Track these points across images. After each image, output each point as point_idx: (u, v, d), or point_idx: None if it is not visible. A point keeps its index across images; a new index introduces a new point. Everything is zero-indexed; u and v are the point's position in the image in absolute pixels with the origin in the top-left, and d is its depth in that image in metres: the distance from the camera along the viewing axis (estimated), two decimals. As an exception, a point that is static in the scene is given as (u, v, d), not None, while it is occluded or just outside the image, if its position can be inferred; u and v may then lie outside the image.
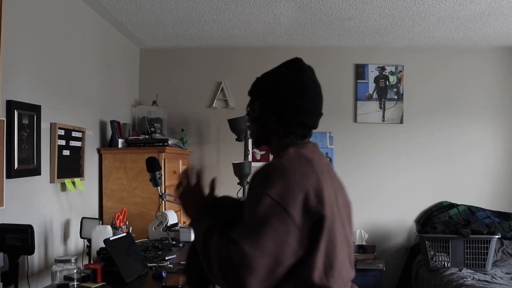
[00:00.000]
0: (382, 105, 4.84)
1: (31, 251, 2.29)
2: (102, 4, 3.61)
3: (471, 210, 4.68)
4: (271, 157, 1.48)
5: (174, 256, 2.82)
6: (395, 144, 4.83)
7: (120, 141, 3.89)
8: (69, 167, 3.22)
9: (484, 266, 3.95)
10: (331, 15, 3.90)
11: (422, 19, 3.99)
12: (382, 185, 4.79)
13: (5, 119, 2.50)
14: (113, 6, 3.66)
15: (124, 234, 2.69)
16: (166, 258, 2.72)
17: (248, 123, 1.52)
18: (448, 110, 4.83)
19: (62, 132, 3.11)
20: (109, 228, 2.76)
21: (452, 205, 4.73)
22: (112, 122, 3.89)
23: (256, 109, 1.54)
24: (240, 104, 4.89)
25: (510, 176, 4.81)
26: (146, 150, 3.82)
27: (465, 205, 4.72)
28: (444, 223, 4.29)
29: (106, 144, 3.94)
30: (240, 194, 4.47)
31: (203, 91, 4.93)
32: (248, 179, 1.66)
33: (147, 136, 4.05)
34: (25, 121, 2.68)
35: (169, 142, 3.99)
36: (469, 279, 3.64)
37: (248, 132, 1.56)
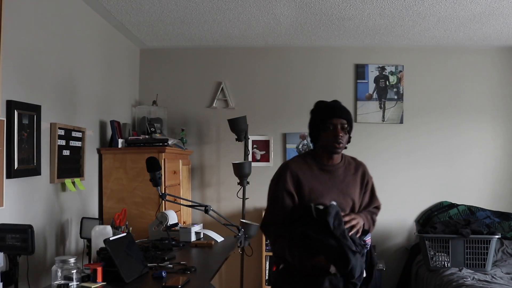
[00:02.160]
0: (382, 105, 4.84)
1: (31, 251, 2.29)
2: (102, 4, 3.61)
3: (471, 210, 4.68)
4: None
5: (174, 256, 2.82)
6: (395, 144, 4.83)
7: (120, 141, 3.89)
8: (69, 167, 3.22)
9: (484, 266, 3.95)
10: (331, 15, 3.90)
11: (422, 19, 3.99)
12: (382, 185, 4.73)
13: (5, 119, 2.50)
14: (113, 6, 3.66)
15: (124, 234, 2.69)
16: (166, 258, 2.72)
17: (343, 135, 2.24)
18: (448, 110, 4.84)
19: (62, 132, 3.11)
20: (109, 228, 2.76)
21: (452, 205, 4.73)
22: (112, 122, 3.89)
23: (351, 129, 2.31)
24: (240, 104, 4.89)
25: (510, 176, 4.81)
26: (146, 150, 3.82)
27: (465, 205, 4.72)
28: (444, 223, 4.29)
29: (106, 144, 3.94)
30: (240, 194, 4.48)
31: (203, 91, 4.93)
32: (363, 173, 2.43)
33: (147, 136, 4.05)
34: (25, 121, 2.68)
35: (169, 142, 3.99)
36: (469, 279, 3.65)
37: (343, 139, 2.26)
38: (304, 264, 2.09)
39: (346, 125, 2.25)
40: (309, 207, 2.11)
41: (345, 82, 4.88)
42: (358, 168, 2.38)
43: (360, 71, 4.88)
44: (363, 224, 2.21)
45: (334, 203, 2.12)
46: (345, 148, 2.29)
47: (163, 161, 3.79)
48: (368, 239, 2.25)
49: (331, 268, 2.05)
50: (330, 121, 2.22)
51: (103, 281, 2.23)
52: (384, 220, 4.79)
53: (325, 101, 2.34)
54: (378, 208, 2.43)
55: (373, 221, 2.35)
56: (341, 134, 2.22)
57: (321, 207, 2.10)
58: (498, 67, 4.84)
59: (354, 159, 2.43)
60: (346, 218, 2.14)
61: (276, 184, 2.32)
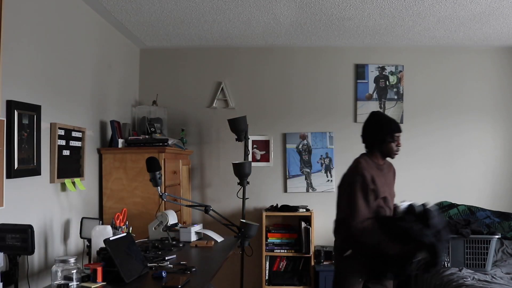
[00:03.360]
0: (382, 105, 4.84)
1: (31, 251, 2.29)
2: (102, 4, 3.61)
3: (471, 210, 4.68)
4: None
5: (174, 256, 2.82)
6: (395, 144, 4.82)
7: (120, 141, 3.89)
8: (69, 167, 3.22)
9: (484, 266, 3.95)
10: (331, 15, 3.90)
11: (422, 19, 3.99)
12: (382, 185, 4.78)
13: (5, 119, 2.50)
14: (113, 6, 3.66)
15: (124, 234, 2.69)
16: (166, 258, 2.72)
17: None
18: (448, 110, 4.84)
19: (62, 132, 3.11)
20: (109, 228, 2.76)
21: (452, 205, 4.73)
22: (112, 122, 3.89)
23: None
24: (240, 104, 4.89)
25: (510, 176, 4.81)
26: (146, 150, 3.82)
27: (465, 205, 4.72)
28: (444, 223, 4.29)
29: (106, 144, 3.94)
30: (240, 194, 4.48)
31: (203, 91, 4.93)
32: (394, 171, 3.04)
33: (147, 136, 4.05)
34: (25, 121, 2.68)
35: (169, 142, 3.99)
36: (469, 279, 3.65)
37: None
38: (394, 250, 2.56)
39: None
40: (411, 206, 2.70)
41: (345, 82, 4.88)
42: (391, 166, 3.00)
43: (360, 71, 4.88)
44: None
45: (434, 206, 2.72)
46: None
47: (163, 161, 3.79)
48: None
49: (418, 255, 2.53)
50: (397, 135, 2.84)
51: (103, 281, 2.22)
52: (384, 220, 4.80)
53: (388, 116, 2.98)
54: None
55: None
56: (400, 146, 2.88)
57: (421, 207, 2.66)
58: (498, 67, 4.84)
59: (386, 160, 2.96)
60: None
61: (358, 183, 2.72)
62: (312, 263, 4.53)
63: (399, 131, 2.85)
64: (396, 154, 2.86)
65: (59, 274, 2.21)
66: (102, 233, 2.60)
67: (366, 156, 2.87)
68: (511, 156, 4.82)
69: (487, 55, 4.84)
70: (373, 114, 2.94)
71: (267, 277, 4.60)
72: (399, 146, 2.85)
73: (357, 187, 2.69)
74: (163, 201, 3.51)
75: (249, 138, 4.60)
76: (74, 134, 3.30)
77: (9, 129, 2.53)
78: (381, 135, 2.83)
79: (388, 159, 2.93)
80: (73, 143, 3.28)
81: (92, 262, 2.65)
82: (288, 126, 4.89)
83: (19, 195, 2.65)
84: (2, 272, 2.24)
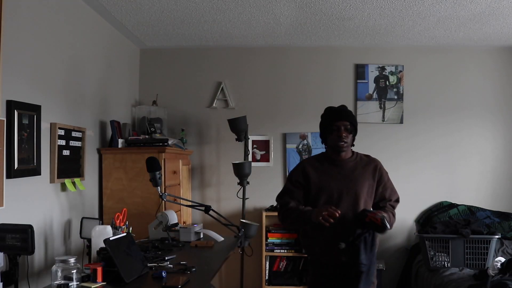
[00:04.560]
0: (382, 105, 4.84)
1: (31, 251, 2.29)
2: (102, 4, 3.61)
3: (471, 210, 4.68)
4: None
5: (174, 256, 2.82)
6: (395, 144, 4.83)
7: (120, 141, 3.89)
8: (69, 167, 3.22)
9: (484, 266, 3.95)
10: (331, 15, 3.90)
11: (422, 19, 3.99)
12: (382, 185, 4.78)
13: (5, 119, 2.50)
14: (113, 6, 3.66)
15: (124, 234, 2.69)
16: (166, 258, 2.71)
17: (346, 135, 2.60)
18: (448, 110, 4.84)
19: (62, 132, 3.11)
20: (109, 228, 2.76)
21: (452, 205, 4.73)
22: (112, 122, 3.89)
23: (355, 130, 2.66)
24: (240, 104, 4.89)
25: (510, 176, 4.81)
26: (146, 150, 3.82)
27: (465, 205, 4.72)
28: (444, 223, 4.30)
29: (106, 144, 3.94)
30: (240, 194, 4.48)
31: (203, 91, 4.93)
32: (375, 167, 2.72)
33: (147, 136, 4.05)
34: (25, 121, 2.68)
35: (169, 142, 3.99)
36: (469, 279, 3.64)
37: (347, 138, 2.63)
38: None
39: (349, 126, 2.60)
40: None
41: (345, 82, 4.88)
42: (370, 163, 2.70)
43: (360, 71, 4.88)
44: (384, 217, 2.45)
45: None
46: (353, 145, 2.69)
47: (163, 161, 3.79)
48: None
49: (340, 245, 2.50)
50: (336, 123, 2.58)
51: (103, 281, 2.22)
52: (384, 220, 4.81)
53: (333, 107, 2.70)
54: (397, 200, 2.76)
55: (394, 215, 2.70)
56: (344, 135, 2.57)
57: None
58: (498, 67, 4.84)
59: (368, 156, 2.74)
60: (371, 214, 2.48)
61: (291, 174, 2.74)
62: (312, 263, 4.53)
63: (339, 119, 2.59)
64: (341, 145, 2.59)
65: (59, 274, 2.21)
66: (102, 233, 2.60)
67: (319, 155, 2.77)
68: (511, 156, 4.82)
69: (487, 55, 4.84)
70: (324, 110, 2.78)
71: (267, 277, 4.60)
72: (343, 136, 2.58)
73: (289, 173, 2.77)
74: (163, 201, 3.51)
75: (249, 138, 4.60)
76: (74, 134, 3.30)
77: (9, 129, 2.53)
78: (322, 128, 2.69)
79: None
80: (73, 143, 3.28)
81: (92, 262, 2.65)
82: (288, 126, 4.89)
83: (19, 195, 2.65)
84: (2, 272, 2.24)
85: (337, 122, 2.59)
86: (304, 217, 2.53)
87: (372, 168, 2.68)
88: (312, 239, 2.65)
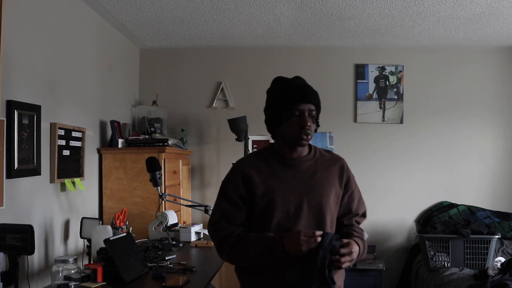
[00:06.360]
0: (382, 105, 4.84)
1: (31, 251, 2.29)
2: (102, 4, 3.61)
3: (471, 210, 4.68)
4: (304, 149, 1.89)
5: (174, 256, 2.82)
6: (395, 144, 4.83)
7: (120, 141, 3.89)
8: (69, 167, 3.22)
9: (484, 266, 3.94)
10: (331, 15, 3.90)
11: (422, 19, 3.99)
12: (382, 185, 4.78)
13: (5, 119, 2.50)
14: (113, 6, 3.66)
15: (124, 234, 2.69)
16: (166, 258, 2.72)
17: (311, 124, 1.79)
18: (448, 110, 4.83)
19: (62, 132, 3.11)
20: (109, 228, 2.76)
21: (452, 205, 4.73)
22: (112, 122, 3.89)
23: (319, 115, 1.85)
24: (240, 104, 4.89)
25: (510, 176, 4.81)
26: (146, 150, 3.82)
27: (465, 205, 4.72)
28: (444, 223, 4.29)
29: (106, 144, 3.94)
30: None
31: (203, 91, 4.93)
32: (341, 168, 1.93)
33: (147, 136, 4.05)
34: (25, 121, 2.68)
35: (169, 142, 3.99)
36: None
37: (311, 128, 1.80)
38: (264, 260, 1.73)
39: (314, 112, 1.81)
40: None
41: (345, 82, 4.88)
42: (334, 162, 1.90)
43: (360, 71, 4.87)
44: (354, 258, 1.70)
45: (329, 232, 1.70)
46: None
47: (163, 161, 3.79)
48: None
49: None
50: (296, 107, 1.77)
51: (103, 281, 2.23)
52: (384, 220, 4.80)
53: (286, 78, 1.91)
54: (364, 215, 1.95)
55: (364, 244, 1.81)
56: (309, 124, 1.77)
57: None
58: (498, 67, 4.84)
59: (329, 152, 1.96)
60: (344, 250, 1.66)
61: (225, 187, 1.85)
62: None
63: (302, 100, 1.78)
64: (304, 138, 1.78)
65: (59, 274, 2.21)
66: (102, 233, 2.61)
67: (262, 152, 1.91)
68: (511, 156, 4.82)
69: (487, 55, 4.84)
70: (272, 82, 1.98)
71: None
72: (307, 125, 1.76)
73: (219, 192, 1.86)
74: (163, 201, 3.52)
75: (249, 138, 4.60)
76: (74, 134, 3.29)
77: (9, 129, 2.53)
78: (271, 112, 1.86)
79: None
80: (73, 143, 3.28)
81: (92, 262, 2.65)
82: (288, 126, 4.87)
83: (19, 195, 2.65)
84: (2, 272, 2.24)
85: (300, 105, 1.77)
86: (270, 249, 1.68)
87: (337, 169, 1.88)
88: (257, 276, 1.80)
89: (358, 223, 1.92)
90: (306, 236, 1.62)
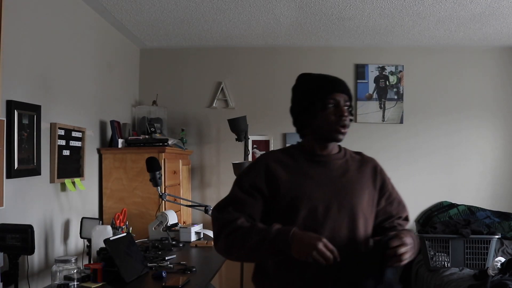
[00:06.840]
0: (382, 105, 4.84)
1: (31, 251, 2.29)
2: (102, 4, 3.61)
3: (471, 210, 4.68)
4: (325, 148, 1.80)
5: (174, 256, 2.82)
6: (395, 144, 4.83)
7: (120, 141, 3.89)
8: (69, 167, 3.22)
9: (484, 266, 3.94)
10: (331, 15, 3.90)
11: (422, 19, 3.99)
12: (382, 185, 4.78)
13: (5, 119, 2.50)
14: (113, 6, 3.66)
15: (124, 234, 2.69)
16: (166, 258, 2.72)
17: (348, 115, 1.67)
18: (448, 110, 4.83)
19: (62, 132, 3.11)
20: (109, 228, 2.77)
21: (452, 205, 4.73)
22: (112, 122, 3.89)
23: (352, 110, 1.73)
24: (240, 104, 4.89)
25: (510, 176, 4.81)
26: (146, 150, 3.82)
27: (465, 205, 4.72)
28: (444, 223, 4.29)
29: (106, 144, 3.94)
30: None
31: (203, 91, 4.93)
32: (374, 169, 1.81)
33: (147, 136, 4.05)
34: (25, 121, 2.68)
35: (169, 142, 3.99)
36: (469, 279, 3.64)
37: (348, 120, 1.67)
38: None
39: (348, 102, 1.68)
40: None
41: (345, 82, 4.87)
42: (365, 163, 1.79)
43: (360, 71, 4.88)
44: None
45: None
46: None
47: (163, 161, 3.79)
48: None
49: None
50: (331, 96, 1.64)
51: (103, 281, 2.23)
52: (384, 220, 4.81)
53: (314, 74, 1.77)
54: (407, 219, 1.80)
55: (416, 240, 1.65)
56: (346, 114, 1.65)
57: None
58: (498, 67, 4.84)
59: (359, 153, 1.86)
60: (395, 242, 1.48)
61: (242, 177, 1.70)
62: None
63: (336, 90, 1.66)
64: (341, 131, 1.66)
65: (59, 274, 2.21)
66: (102, 233, 2.61)
67: (290, 148, 1.84)
68: (511, 156, 4.82)
69: (487, 55, 4.84)
70: (298, 78, 1.80)
71: (267, 277, 4.57)
72: (345, 116, 1.64)
73: (239, 176, 1.72)
74: (163, 201, 3.52)
75: (249, 138, 4.60)
76: (74, 134, 3.30)
77: (9, 129, 2.53)
78: (300, 108, 1.74)
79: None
80: (73, 143, 3.28)
81: (92, 262, 2.65)
82: (288, 126, 4.81)
83: (19, 195, 2.65)
84: (2, 272, 2.24)
85: (335, 94, 1.65)
86: (271, 243, 1.51)
87: (370, 170, 1.77)
88: (275, 283, 1.63)
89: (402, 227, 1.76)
90: (325, 247, 1.45)
